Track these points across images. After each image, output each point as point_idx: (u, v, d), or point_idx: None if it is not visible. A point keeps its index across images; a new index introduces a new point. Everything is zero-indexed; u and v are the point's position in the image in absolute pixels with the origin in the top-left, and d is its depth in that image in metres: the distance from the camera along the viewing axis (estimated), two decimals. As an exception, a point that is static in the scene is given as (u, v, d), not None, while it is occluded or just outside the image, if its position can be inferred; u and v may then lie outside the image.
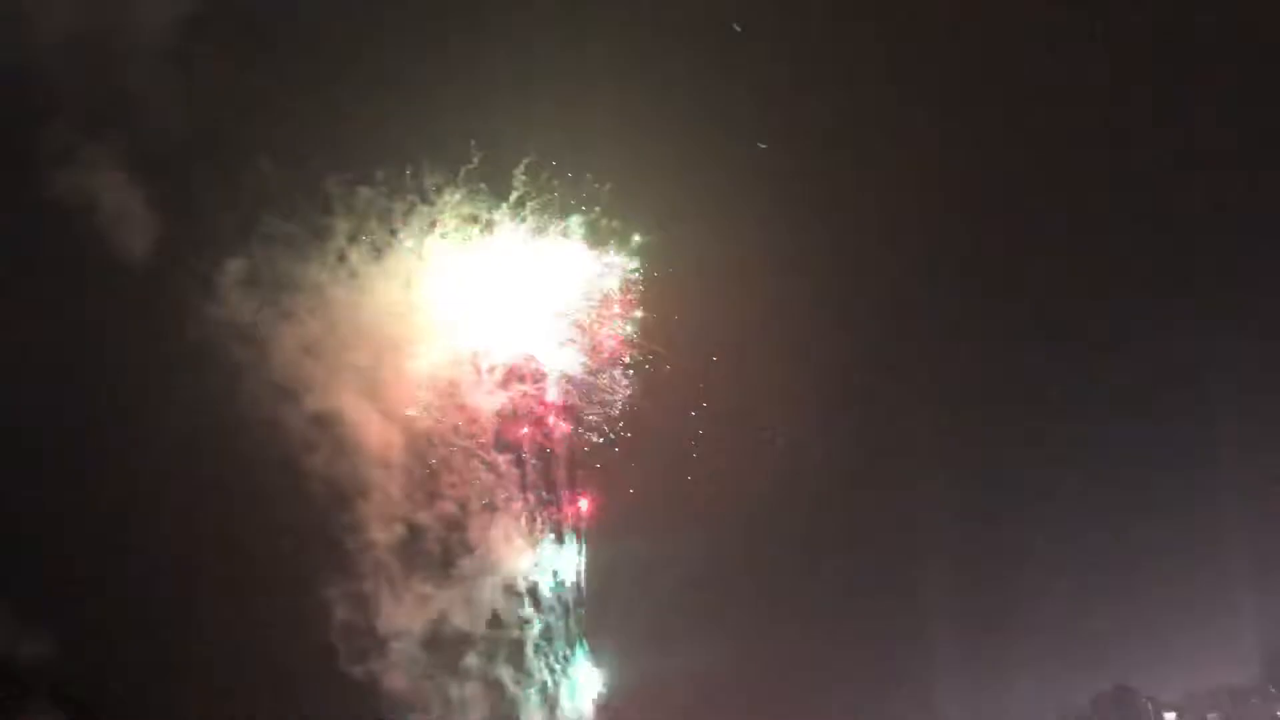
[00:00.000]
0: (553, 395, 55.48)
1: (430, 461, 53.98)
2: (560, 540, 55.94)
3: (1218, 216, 58.72)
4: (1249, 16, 55.18)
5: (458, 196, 53.06)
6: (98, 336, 50.09)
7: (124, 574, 50.13)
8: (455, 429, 54.34)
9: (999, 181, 57.42)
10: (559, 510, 56.00)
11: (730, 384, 56.09)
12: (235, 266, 51.24)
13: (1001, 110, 57.97)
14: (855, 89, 56.30)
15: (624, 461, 56.00)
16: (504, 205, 53.33)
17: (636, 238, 54.39)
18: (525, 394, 55.14)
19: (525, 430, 55.37)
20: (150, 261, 49.24)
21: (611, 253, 54.51)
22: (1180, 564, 58.71)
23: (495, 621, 54.41)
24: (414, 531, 53.58)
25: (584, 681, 55.79)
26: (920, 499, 58.69)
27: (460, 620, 53.93)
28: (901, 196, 57.01)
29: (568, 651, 55.39)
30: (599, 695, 55.80)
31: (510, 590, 54.99)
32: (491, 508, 54.83)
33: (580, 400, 55.55)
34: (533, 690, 54.70)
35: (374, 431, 52.88)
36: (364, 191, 52.25)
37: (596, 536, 56.45)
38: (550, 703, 55.01)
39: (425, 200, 53.00)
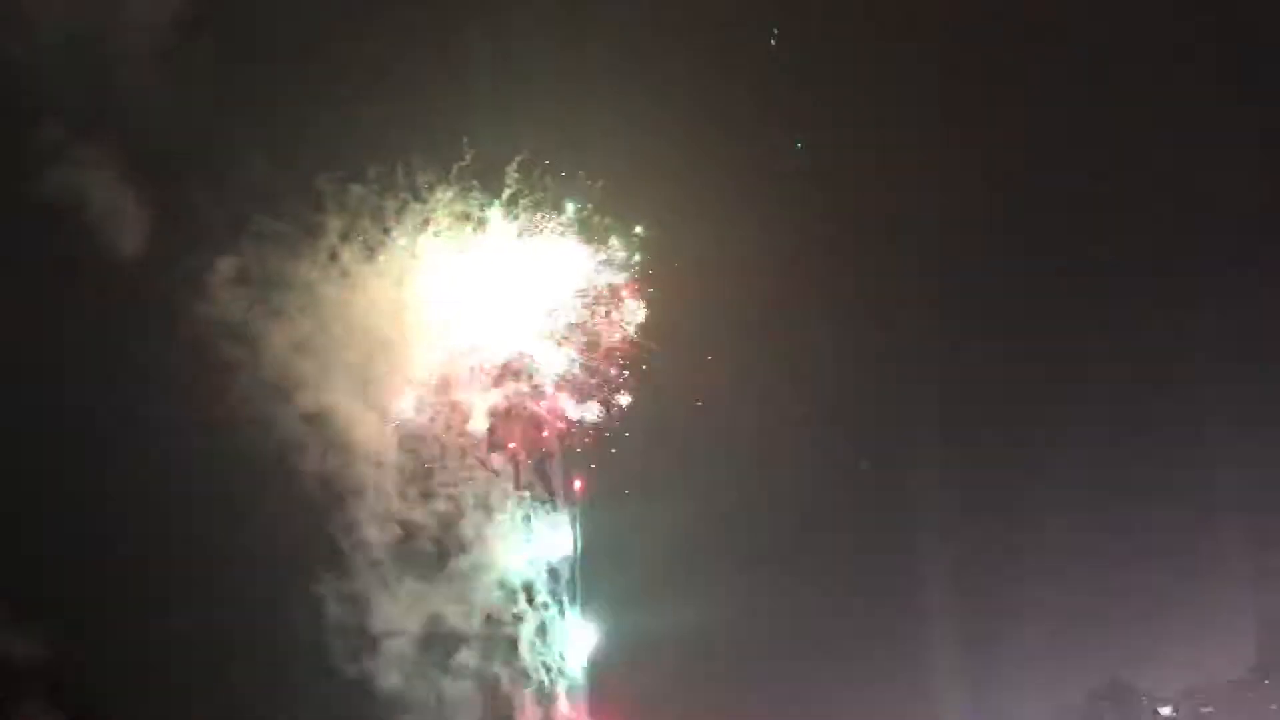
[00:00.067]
0: (546, 392, 55.41)
1: (423, 460, 53.92)
2: (553, 538, 55.98)
3: (1222, 215, 58.80)
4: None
5: (450, 194, 52.83)
6: (87, 335, 49.83)
7: (123, 574, 50.07)
8: (448, 426, 54.29)
9: (1002, 179, 57.22)
10: (552, 506, 56.02)
11: (726, 381, 55.98)
12: (226, 264, 50.97)
13: (1002, 110, 57.74)
14: (854, 86, 55.93)
15: (619, 459, 56.04)
16: (497, 203, 53.08)
17: (630, 233, 54.18)
18: (518, 392, 55.10)
19: (518, 428, 55.34)
20: (139, 260, 49.03)
21: (605, 249, 54.30)
22: (1176, 560, 59.01)
23: (489, 620, 54.47)
24: (407, 529, 53.55)
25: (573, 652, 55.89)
26: (917, 497, 58.75)
27: (454, 617, 54.00)
28: (902, 196, 57.03)
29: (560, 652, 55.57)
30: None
31: (504, 585, 55.07)
32: (485, 505, 54.86)
33: (574, 396, 55.51)
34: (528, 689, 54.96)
35: (366, 430, 52.84)
36: (356, 189, 51.93)
37: (589, 530, 56.49)
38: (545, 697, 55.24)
39: (417, 198, 52.69)
